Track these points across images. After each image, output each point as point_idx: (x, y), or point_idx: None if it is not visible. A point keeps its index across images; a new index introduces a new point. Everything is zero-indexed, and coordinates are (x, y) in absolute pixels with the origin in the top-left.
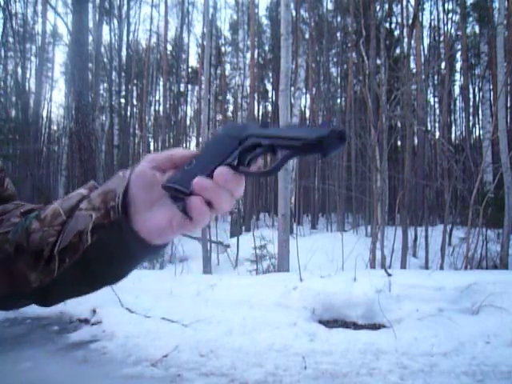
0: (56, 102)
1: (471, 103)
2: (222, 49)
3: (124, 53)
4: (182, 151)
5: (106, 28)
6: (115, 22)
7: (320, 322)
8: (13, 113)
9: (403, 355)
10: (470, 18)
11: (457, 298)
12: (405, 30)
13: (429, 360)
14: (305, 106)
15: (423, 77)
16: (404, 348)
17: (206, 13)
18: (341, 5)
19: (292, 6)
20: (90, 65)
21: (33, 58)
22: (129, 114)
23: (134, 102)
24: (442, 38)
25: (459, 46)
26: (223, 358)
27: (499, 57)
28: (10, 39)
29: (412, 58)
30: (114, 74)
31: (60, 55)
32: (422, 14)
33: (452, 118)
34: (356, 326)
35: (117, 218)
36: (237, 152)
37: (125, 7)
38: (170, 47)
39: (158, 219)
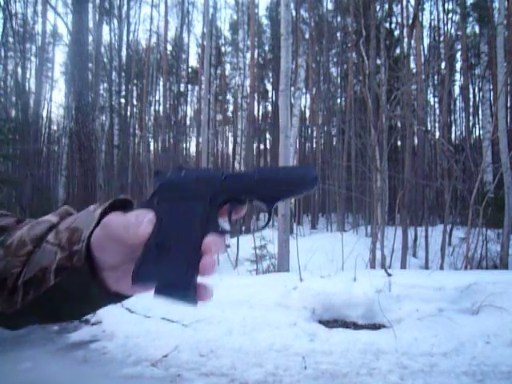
0: (56, 102)
1: (471, 103)
2: (222, 49)
3: (124, 53)
4: (135, 233)
5: (106, 28)
6: (115, 21)
7: (320, 322)
8: (13, 113)
9: (403, 355)
10: (470, 18)
11: (457, 297)
12: (405, 30)
13: (429, 360)
14: (305, 106)
15: (423, 77)
16: (404, 348)
17: (206, 13)
18: (341, 5)
19: (292, 5)
20: (90, 65)
21: (33, 58)
22: (129, 113)
23: (134, 102)
24: (442, 38)
25: (459, 46)
26: (223, 357)
27: (499, 57)
28: (10, 39)
29: (412, 57)
30: (114, 73)
31: (60, 55)
32: (422, 14)
33: (452, 117)
34: (356, 326)
35: (79, 266)
36: (215, 213)
37: (125, 7)
38: (170, 47)
39: (128, 283)
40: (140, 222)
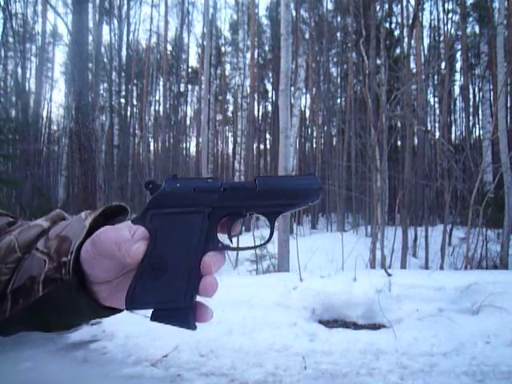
0: (56, 102)
1: (471, 103)
2: (222, 49)
3: (124, 53)
4: (128, 252)
5: (106, 28)
6: (115, 22)
7: (320, 322)
8: (13, 113)
9: (403, 355)
10: (470, 18)
11: (457, 297)
12: (405, 30)
13: (429, 360)
14: (305, 106)
15: (423, 77)
16: (404, 348)
17: (206, 13)
18: (341, 5)
19: (292, 5)
20: (90, 65)
21: (33, 58)
22: (129, 113)
23: (134, 102)
24: (442, 38)
25: (459, 46)
26: (223, 357)
27: (499, 57)
28: (10, 39)
29: (412, 57)
30: (114, 74)
31: (60, 55)
32: (422, 14)
33: (452, 117)
34: (356, 326)
35: (68, 279)
36: (214, 229)
37: (125, 7)
38: (170, 47)
39: (121, 298)
40: (133, 241)
